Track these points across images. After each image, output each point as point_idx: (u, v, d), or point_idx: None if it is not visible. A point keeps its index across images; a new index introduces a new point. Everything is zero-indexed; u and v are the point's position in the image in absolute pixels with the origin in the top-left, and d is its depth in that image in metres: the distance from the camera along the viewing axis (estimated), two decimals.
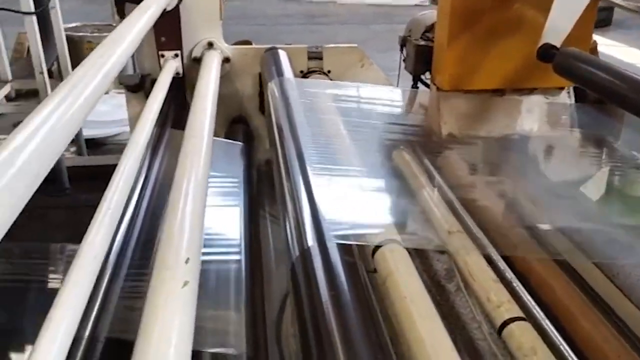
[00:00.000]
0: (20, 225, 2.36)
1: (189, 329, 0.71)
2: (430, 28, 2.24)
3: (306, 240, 0.85)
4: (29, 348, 1.98)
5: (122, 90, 4.67)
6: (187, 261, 0.82)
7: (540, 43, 1.82)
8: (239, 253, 1.33)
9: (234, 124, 2.26)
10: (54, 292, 2.26)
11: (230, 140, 2.00)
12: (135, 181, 1.36)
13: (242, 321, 1.08)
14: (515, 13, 1.97)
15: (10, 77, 3.07)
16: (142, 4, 1.72)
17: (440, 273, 1.51)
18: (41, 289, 2.41)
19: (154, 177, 1.49)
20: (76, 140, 3.44)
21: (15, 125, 2.73)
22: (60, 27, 3.03)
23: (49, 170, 0.63)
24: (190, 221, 0.94)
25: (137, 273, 1.09)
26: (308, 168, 1.13)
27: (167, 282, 0.77)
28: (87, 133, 3.60)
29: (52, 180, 2.93)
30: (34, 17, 2.65)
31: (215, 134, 1.46)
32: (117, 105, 4.27)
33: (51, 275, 2.60)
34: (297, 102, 1.55)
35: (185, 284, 0.77)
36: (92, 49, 3.29)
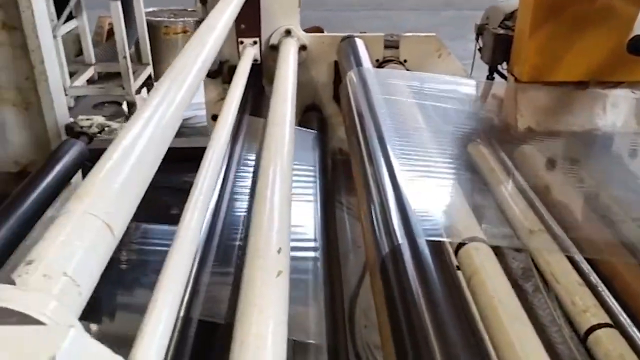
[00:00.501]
0: None
1: (284, 319, 0.73)
2: (510, 16, 2.18)
3: (396, 236, 0.85)
4: (106, 319, 2.09)
5: None
6: (279, 251, 0.84)
7: (632, 35, 1.73)
8: (315, 243, 1.35)
9: (307, 111, 2.28)
10: (129, 268, 2.37)
11: (304, 128, 2.02)
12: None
13: (321, 312, 1.10)
14: (604, 2, 1.88)
15: (93, 61, 3.21)
16: None
17: (516, 272, 1.48)
18: (118, 264, 2.55)
19: (235, 163, 1.52)
20: None
21: (96, 106, 2.90)
22: (142, 12, 3.13)
23: (162, 156, 0.66)
24: (278, 211, 0.96)
25: (224, 257, 1.13)
26: (393, 160, 1.13)
27: (261, 271, 0.79)
28: None
29: None
30: (119, 2, 2.75)
31: None
32: None
33: (125, 252, 2.74)
34: (377, 92, 1.55)
35: (279, 273, 0.79)
36: (168, 34, 3.42)
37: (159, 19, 4.47)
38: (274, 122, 1.37)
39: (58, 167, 2.28)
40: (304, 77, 2.22)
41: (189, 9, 5.02)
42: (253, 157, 1.66)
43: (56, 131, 2.60)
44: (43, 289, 0.41)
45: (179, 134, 3.29)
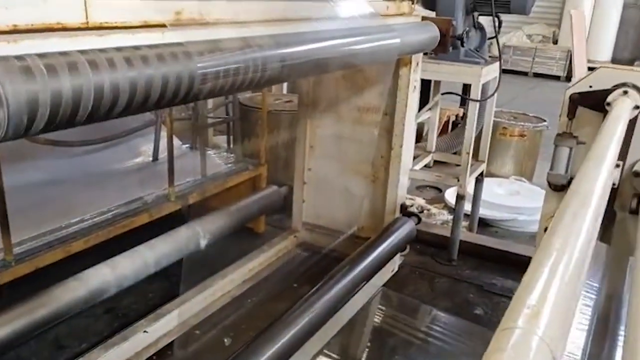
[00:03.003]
0: (411, 282, 2.61)
1: None
2: None
3: None
4: None
5: (522, 179, 4.74)
6: None
7: None
8: None
9: None
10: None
11: None
12: None
13: None
14: None
15: (433, 149, 3.46)
16: (609, 116, 1.71)
17: None
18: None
19: None
20: (470, 216, 3.62)
21: (418, 187, 3.14)
22: (492, 113, 3.28)
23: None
24: None
25: None
26: None
27: None
28: (481, 212, 3.74)
29: (444, 248, 3.14)
30: (478, 103, 2.93)
31: None
32: (513, 192, 4.37)
33: (410, 331, 2.80)
34: None
35: None
36: (504, 135, 3.57)
37: (498, 119, 4.60)
38: None
39: (390, 240, 2.50)
40: None
41: (530, 114, 5.05)
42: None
43: (392, 206, 2.85)
44: None
45: (493, 233, 3.32)
